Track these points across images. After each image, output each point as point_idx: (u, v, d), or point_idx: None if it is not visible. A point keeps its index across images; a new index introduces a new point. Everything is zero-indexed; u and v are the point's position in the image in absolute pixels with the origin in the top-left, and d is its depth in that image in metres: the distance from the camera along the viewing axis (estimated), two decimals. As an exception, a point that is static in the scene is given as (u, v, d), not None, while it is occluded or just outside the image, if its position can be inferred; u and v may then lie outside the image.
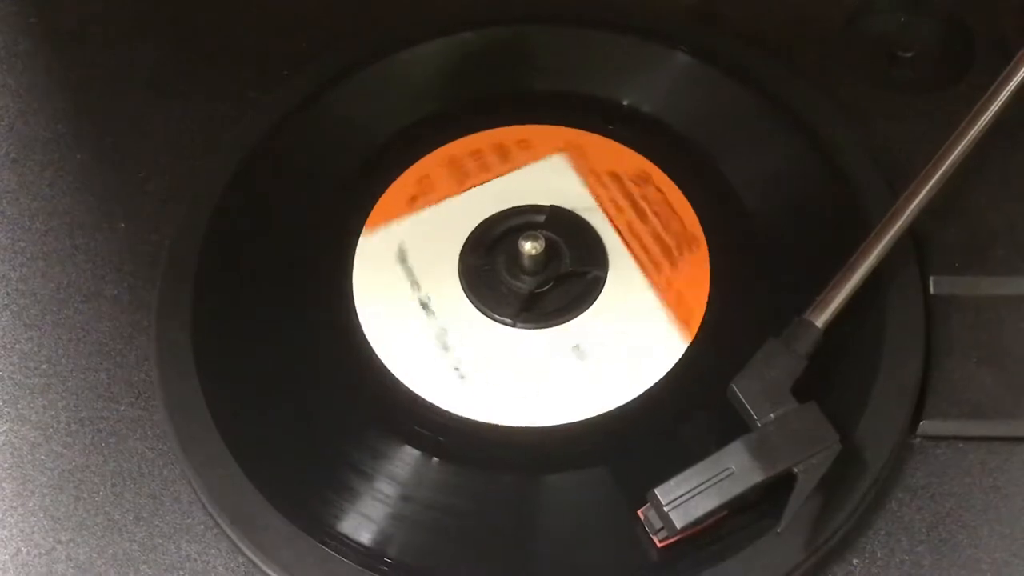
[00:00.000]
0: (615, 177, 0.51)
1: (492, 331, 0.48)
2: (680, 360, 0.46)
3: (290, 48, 0.57)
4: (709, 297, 0.48)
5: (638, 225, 0.50)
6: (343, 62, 0.55)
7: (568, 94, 0.55)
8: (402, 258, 0.50)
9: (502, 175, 0.52)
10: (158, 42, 0.58)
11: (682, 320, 0.47)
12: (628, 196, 0.51)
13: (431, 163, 0.52)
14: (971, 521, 0.44)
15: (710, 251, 0.49)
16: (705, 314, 0.47)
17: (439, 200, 0.51)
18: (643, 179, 0.51)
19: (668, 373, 0.46)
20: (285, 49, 0.57)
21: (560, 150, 0.52)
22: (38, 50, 0.58)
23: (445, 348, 0.47)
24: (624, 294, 0.48)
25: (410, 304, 0.49)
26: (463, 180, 0.52)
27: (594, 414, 0.45)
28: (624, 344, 0.47)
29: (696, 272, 0.49)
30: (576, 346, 0.47)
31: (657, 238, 0.50)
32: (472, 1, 0.57)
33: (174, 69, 0.57)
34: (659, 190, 0.51)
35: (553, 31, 0.56)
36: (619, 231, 0.50)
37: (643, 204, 0.51)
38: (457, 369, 0.47)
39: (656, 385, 0.46)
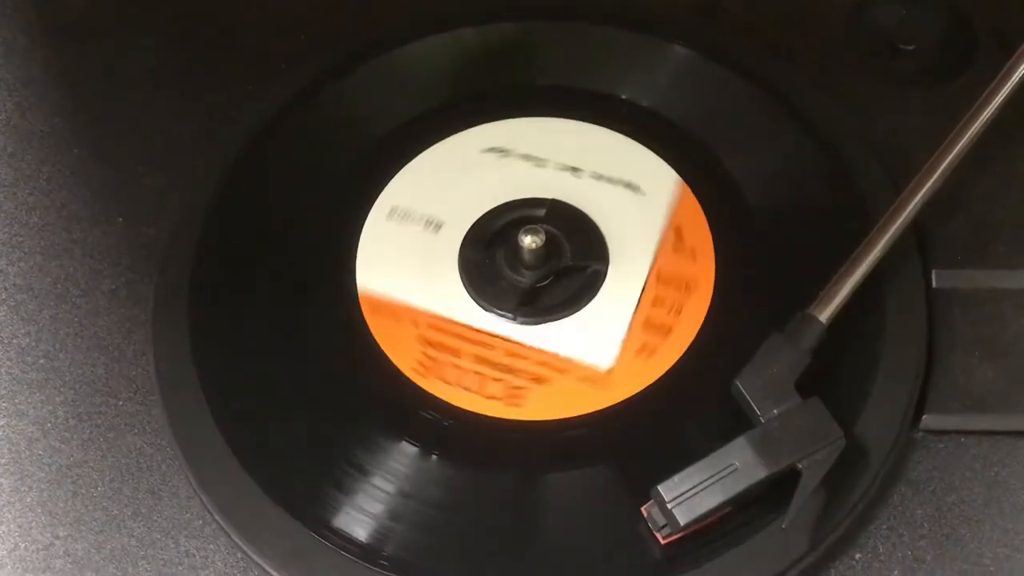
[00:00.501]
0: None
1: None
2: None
3: (288, 44, 0.57)
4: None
5: (654, 280, 0.49)
6: (341, 58, 0.55)
7: (567, 89, 0.54)
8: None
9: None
10: (156, 37, 0.58)
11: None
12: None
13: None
14: (973, 515, 0.44)
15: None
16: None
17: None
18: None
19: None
20: (283, 44, 0.57)
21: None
22: (36, 45, 0.58)
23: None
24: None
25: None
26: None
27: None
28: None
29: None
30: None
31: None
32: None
33: (172, 64, 0.57)
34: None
35: (551, 26, 0.55)
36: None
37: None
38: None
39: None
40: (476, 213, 0.50)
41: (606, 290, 0.48)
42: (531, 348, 0.47)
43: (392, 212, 0.51)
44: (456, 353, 0.46)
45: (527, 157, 0.52)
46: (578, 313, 0.47)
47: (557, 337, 0.47)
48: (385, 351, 0.47)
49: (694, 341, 0.46)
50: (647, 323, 0.47)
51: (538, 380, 0.46)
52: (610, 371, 0.46)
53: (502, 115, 0.53)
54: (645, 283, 0.48)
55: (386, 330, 0.47)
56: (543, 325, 0.47)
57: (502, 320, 0.47)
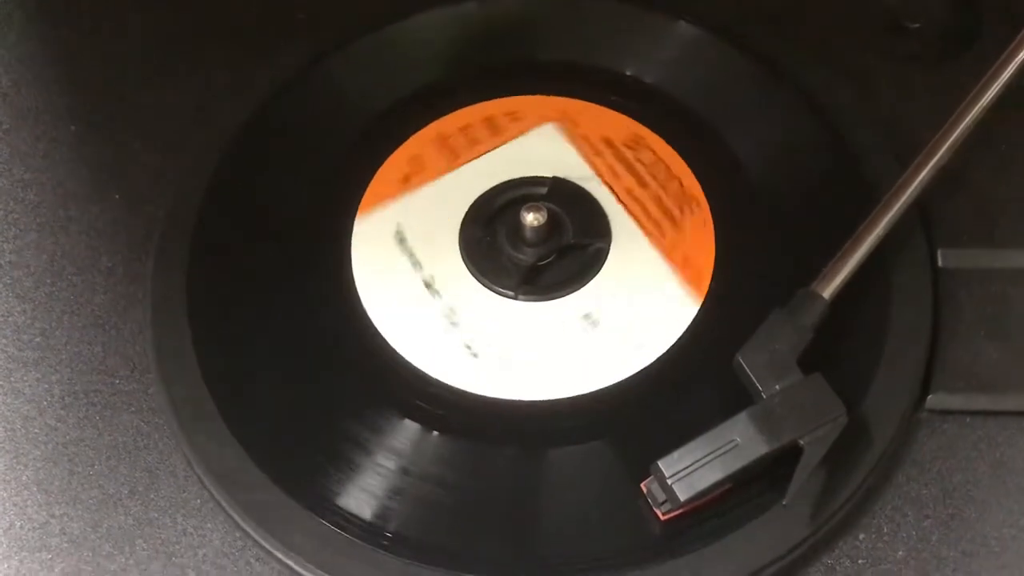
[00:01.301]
0: (608, 143, 0.51)
1: (495, 304, 0.47)
2: (693, 321, 0.46)
3: (287, 19, 0.56)
4: (716, 257, 0.48)
5: (637, 190, 0.49)
6: (340, 33, 0.54)
7: (555, 63, 0.54)
8: (400, 237, 0.49)
9: (494, 148, 0.51)
10: (153, 13, 0.57)
11: (691, 282, 0.47)
12: (623, 161, 0.50)
13: (421, 141, 0.51)
14: (978, 495, 0.44)
15: (712, 212, 0.49)
16: (713, 274, 0.47)
17: (433, 178, 0.50)
18: (636, 143, 0.51)
19: (682, 336, 0.45)
20: (282, 20, 0.56)
21: (550, 119, 0.52)
22: (32, 21, 0.58)
23: (450, 322, 0.47)
24: (630, 261, 0.48)
25: (411, 277, 0.48)
26: (455, 157, 0.51)
27: (599, 386, 0.45)
28: (634, 310, 0.46)
29: (700, 233, 0.48)
30: (587, 315, 0.47)
31: (657, 201, 0.49)
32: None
33: (169, 40, 0.56)
34: (653, 152, 0.50)
35: (536, 1, 0.55)
36: (618, 196, 0.49)
37: (639, 168, 0.50)
38: (467, 346, 0.46)
39: (663, 354, 0.45)
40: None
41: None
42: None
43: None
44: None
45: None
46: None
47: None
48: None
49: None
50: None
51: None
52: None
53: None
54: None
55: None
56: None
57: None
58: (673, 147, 0.51)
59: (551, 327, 0.46)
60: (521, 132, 0.52)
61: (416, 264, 0.48)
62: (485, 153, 0.51)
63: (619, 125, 0.51)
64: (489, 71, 0.54)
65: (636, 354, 0.45)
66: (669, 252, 0.48)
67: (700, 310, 0.46)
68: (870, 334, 0.45)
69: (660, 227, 0.49)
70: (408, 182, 0.50)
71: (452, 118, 0.52)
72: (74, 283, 0.50)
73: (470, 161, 0.51)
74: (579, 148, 0.51)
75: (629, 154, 0.50)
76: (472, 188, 0.50)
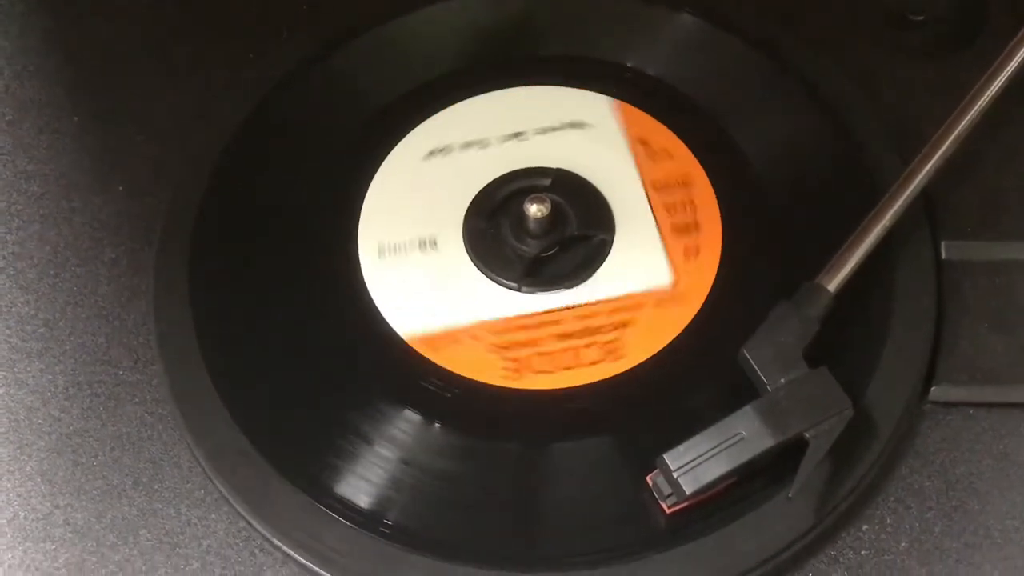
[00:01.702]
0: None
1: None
2: (699, 312, 0.46)
3: (289, 11, 0.56)
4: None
5: (649, 187, 0.49)
6: (342, 25, 0.54)
7: (573, 57, 0.54)
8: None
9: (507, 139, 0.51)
10: (156, 4, 0.57)
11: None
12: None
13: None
14: (982, 487, 0.44)
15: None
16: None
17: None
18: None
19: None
20: (284, 12, 0.56)
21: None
22: (34, 13, 0.58)
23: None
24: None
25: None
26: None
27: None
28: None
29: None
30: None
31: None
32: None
33: (172, 31, 0.56)
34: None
35: None
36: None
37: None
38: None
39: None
40: (480, 183, 0.50)
41: (607, 266, 0.48)
42: (595, 303, 0.47)
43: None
44: (535, 344, 0.46)
45: (467, 144, 0.51)
46: (579, 286, 0.47)
47: (608, 284, 0.47)
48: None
49: (699, 311, 0.46)
50: (674, 228, 0.48)
51: (624, 325, 0.46)
52: (676, 284, 0.46)
53: (505, 84, 0.52)
54: (648, 198, 0.48)
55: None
56: (587, 283, 0.47)
57: (542, 295, 0.47)
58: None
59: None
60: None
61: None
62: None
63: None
64: (500, 64, 0.54)
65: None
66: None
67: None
68: (874, 326, 0.45)
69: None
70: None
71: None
72: (77, 274, 0.49)
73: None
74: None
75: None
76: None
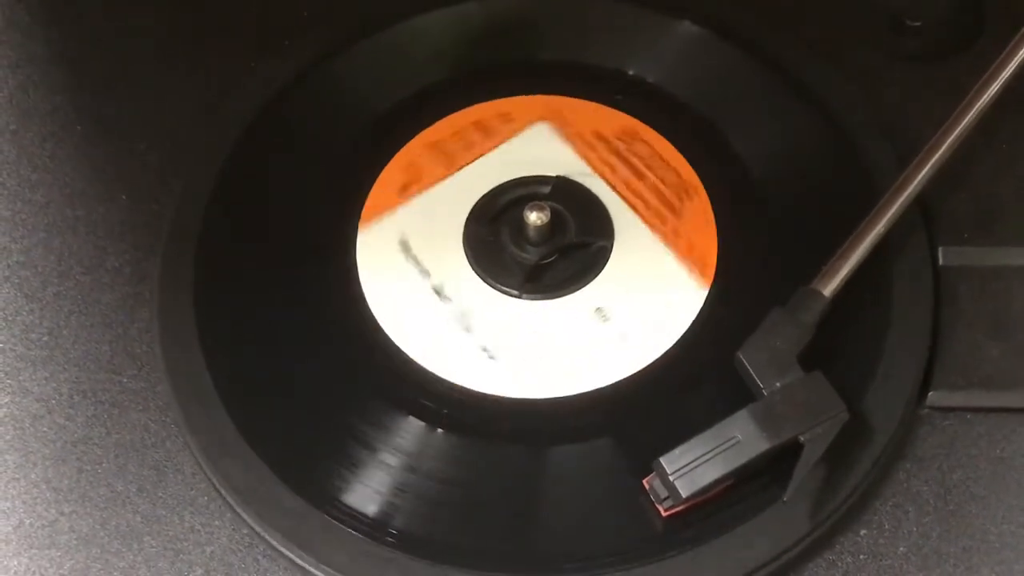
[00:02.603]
0: (601, 137, 0.51)
1: (499, 304, 0.47)
2: (689, 327, 0.46)
3: (291, 18, 0.56)
4: (719, 240, 0.48)
5: (634, 181, 0.50)
6: (344, 31, 0.54)
7: (542, 63, 0.54)
8: (404, 241, 0.49)
9: (489, 151, 0.51)
10: (158, 13, 0.58)
11: (697, 269, 0.47)
12: (618, 154, 0.51)
13: (414, 149, 0.52)
14: (979, 492, 0.44)
15: (711, 199, 0.49)
16: (718, 262, 0.47)
17: (431, 184, 0.51)
18: (630, 136, 0.51)
19: (691, 326, 0.46)
20: (286, 19, 0.56)
21: (542, 118, 0.52)
22: (37, 22, 0.58)
23: (456, 321, 0.47)
24: (634, 254, 0.48)
25: (416, 275, 0.48)
26: (451, 162, 0.51)
27: (601, 384, 0.45)
28: (640, 305, 0.47)
29: (701, 219, 0.49)
30: (598, 309, 0.47)
31: (655, 191, 0.49)
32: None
33: (174, 39, 0.57)
34: (648, 145, 0.51)
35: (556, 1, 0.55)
36: (617, 190, 0.50)
37: (635, 160, 0.50)
38: (474, 346, 0.46)
39: (679, 341, 0.46)
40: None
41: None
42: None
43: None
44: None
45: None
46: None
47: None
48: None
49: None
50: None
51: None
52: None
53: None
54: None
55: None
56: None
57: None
58: (670, 141, 0.51)
59: (554, 326, 0.47)
60: (514, 133, 0.52)
61: (422, 262, 0.48)
62: (481, 156, 0.51)
63: (611, 120, 0.52)
64: (475, 74, 0.54)
65: (639, 351, 0.46)
66: (673, 241, 0.48)
67: (703, 305, 0.47)
68: (871, 331, 0.45)
69: (661, 217, 0.49)
70: (407, 190, 0.50)
71: (444, 123, 0.52)
72: (82, 283, 0.50)
73: (466, 165, 0.51)
74: (573, 145, 0.51)
75: (623, 147, 0.51)
76: (471, 191, 0.50)
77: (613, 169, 0.50)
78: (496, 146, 0.51)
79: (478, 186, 0.50)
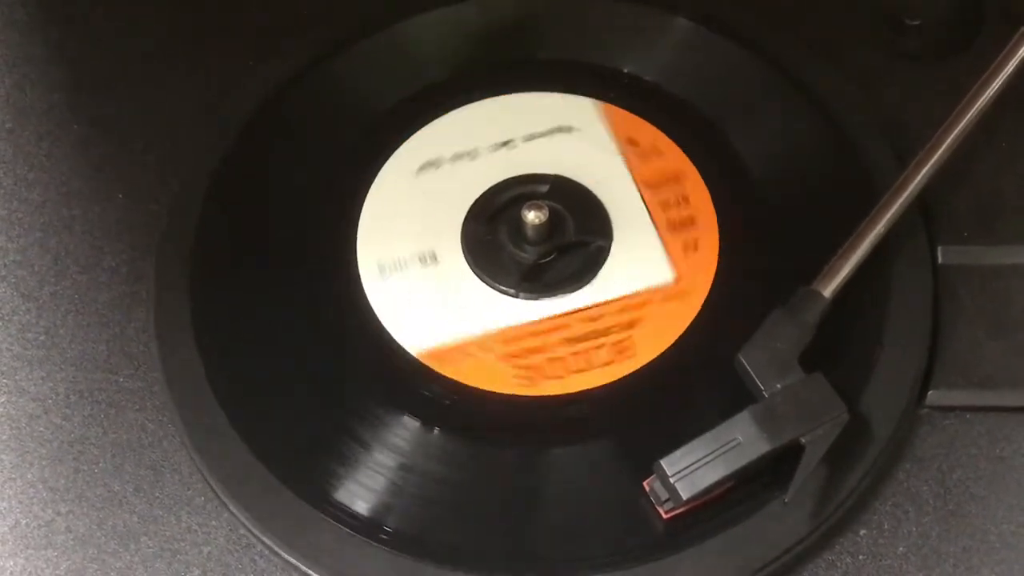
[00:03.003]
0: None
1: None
2: (696, 317, 0.46)
3: (289, 18, 0.56)
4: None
5: (644, 188, 0.50)
6: (343, 31, 0.54)
7: (564, 62, 0.54)
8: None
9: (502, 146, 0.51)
10: (156, 12, 0.57)
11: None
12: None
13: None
14: (979, 492, 0.44)
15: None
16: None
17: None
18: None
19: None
20: (284, 19, 0.56)
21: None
22: (34, 20, 0.58)
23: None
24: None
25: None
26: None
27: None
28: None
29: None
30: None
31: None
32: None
33: (172, 39, 0.56)
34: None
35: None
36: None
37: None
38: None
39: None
40: (477, 191, 0.50)
41: (605, 272, 0.48)
42: (600, 304, 0.47)
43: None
44: (545, 350, 0.46)
45: (459, 155, 0.51)
46: (577, 291, 0.47)
47: (610, 286, 0.47)
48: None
49: (697, 316, 0.46)
50: (670, 224, 0.48)
51: (631, 325, 0.46)
52: (679, 280, 0.47)
53: (498, 91, 0.52)
54: (641, 196, 0.49)
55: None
56: (589, 286, 0.47)
57: (541, 301, 0.47)
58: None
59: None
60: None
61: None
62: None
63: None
64: (475, 73, 0.54)
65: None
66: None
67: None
68: (871, 331, 0.45)
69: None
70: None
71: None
72: (78, 282, 0.50)
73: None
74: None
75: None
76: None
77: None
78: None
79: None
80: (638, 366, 0.45)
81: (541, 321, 0.47)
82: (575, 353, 0.46)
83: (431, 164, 0.51)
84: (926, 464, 0.45)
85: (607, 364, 0.45)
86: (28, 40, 0.57)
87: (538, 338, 0.46)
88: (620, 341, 0.46)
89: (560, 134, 0.51)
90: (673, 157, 0.50)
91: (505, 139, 0.51)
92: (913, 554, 0.43)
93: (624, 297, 0.47)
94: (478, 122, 0.52)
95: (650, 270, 0.47)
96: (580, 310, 0.47)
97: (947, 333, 0.46)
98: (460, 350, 0.46)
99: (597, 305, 0.47)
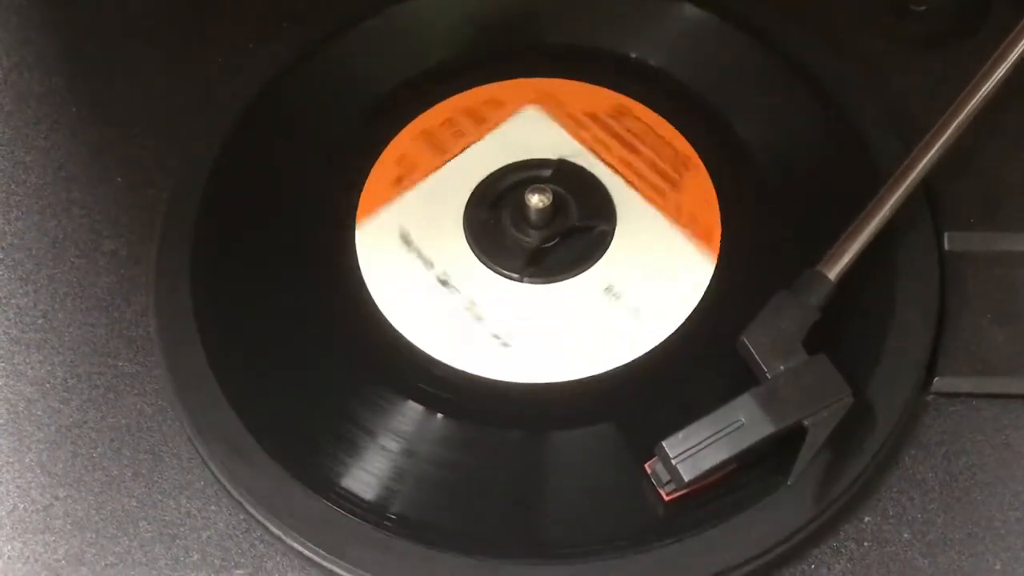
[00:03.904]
0: (593, 117, 0.51)
1: (501, 287, 0.47)
2: (692, 312, 0.46)
3: (289, 1, 0.56)
4: (723, 226, 0.48)
5: (630, 157, 0.49)
6: (343, 15, 0.54)
7: (531, 46, 0.54)
8: (405, 215, 0.49)
9: (481, 138, 0.51)
10: (155, -4, 0.57)
11: (703, 238, 0.47)
12: (611, 131, 0.50)
13: (405, 141, 0.51)
14: (984, 478, 0.44)
15: (715, 185, 0.49)
16: (722, 240, 0.47)
17: (425, 176, 0.50)
18: (620, 112, 0.51)
19: (679, 326, 0.45)
20: (284, 2, 0.56)
21: (531, 102, 0.52)
22: (32, 3, 0.58)
23: (456, 303, 0.46)
24: (638, 232, 0.48)
25: (416, 258, 0.48)
26: (443, 151, 0.51)
27: (604, 368, 0.45)
28: (648, 284, 0.46)
29: (701, 191, 0.48)
30: (607, 288, 0.47)
31: (652, 165, 0.49)
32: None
33: (171, 22, 0.56)
34: (640, 120, 0.50)
35: None
36: (613, 168, 0.49)
37: (628, 136, 0.50)
38: (477, 331, 0.46)
39: (674, 331, 0.45)
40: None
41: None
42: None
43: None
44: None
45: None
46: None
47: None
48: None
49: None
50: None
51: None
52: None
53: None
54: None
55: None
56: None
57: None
58: (673, 125, 0.51)
59: (555, 310, 0.46)
60: (504, 118, 0.51)
61: (422, 246, 0.48)
62: (472, 144, 0.51)
63: (601, 98, 0.51)
64: (459, 62, 0.53)
65: (638, 335, 0.45)
66: (675, 214, 0.48)
67: (707, 289, 0.46)
68: (876, 316, 0.45)
69: (660, 191, 0.49)
70: (401, 183, 0.50)
71: (431, 113, 0.52)
72: (76, 265, 0.49)
73: (459, 153, 0.50)
74: (564, 125, 0.51)
75: (615, 124, 0.50)
76: (467, 179, 0.50)
77: (607, 147, 0.50)
78: (487, 133, 0.51)
79: (474, 173, 0.50)
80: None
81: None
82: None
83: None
84: (931, 450, 0.44)
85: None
86: (27, 22, 0.57)
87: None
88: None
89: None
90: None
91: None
92: (918, 540, 0.42)
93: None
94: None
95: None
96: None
97: (952, 320, 0.46)
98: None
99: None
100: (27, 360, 0.47)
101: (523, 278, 0.47)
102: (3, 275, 0.49)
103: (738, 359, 0.42)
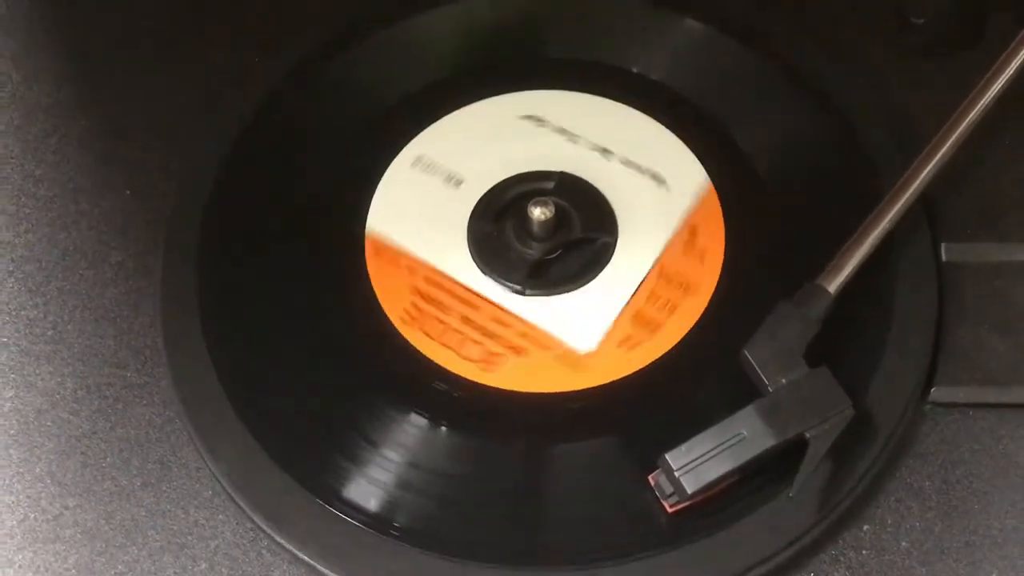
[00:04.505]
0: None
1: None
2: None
3: (296, 9, 0.56)
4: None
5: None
6: (348, 29, 0.54)
7: (576, 61, 0.54)
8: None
9: (485, 152, 0.51)
10: (162, 6, 0.57)
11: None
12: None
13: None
14: (982, 488, 0.44)
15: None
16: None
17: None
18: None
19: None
20: (291, 10, 0.56)
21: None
22: (39, 15, 0.58)
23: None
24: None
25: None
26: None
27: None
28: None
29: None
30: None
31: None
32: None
33: (178, 32, 0.57)
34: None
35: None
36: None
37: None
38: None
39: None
40: (498, 178, 0.50)
41: (610, 270, 0.48)
42: (516, 317, 0.47)
43: (416, 161, 0.50)
44: (444, 309, 0.47)
45: (561, 131, 0.51)
46: (580, 289, 0.47)
47: (546, 312, 0.47)
48: (382, 303, 0.47)
49: (704, 312, 0.46)
50: (637, 316, 0.47)
51: (516, 350, 0.46)
52: (588, 355, 0.46)
53: (537, 84, 0.53)
54: (645, 276, 0.48)
55: (383, 277, 0.48)
56: (536, 298, 0.47)
57: (501, 288, 0.47)
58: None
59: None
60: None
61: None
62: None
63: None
64: (462, 75, 0.54)
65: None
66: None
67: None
68: (875, 328, 0.45)
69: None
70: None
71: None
72: (85, 277, 0.50)
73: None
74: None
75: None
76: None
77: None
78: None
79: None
80: (644, 364, 0.45)
81: (468, 290, 0.47)
82: (456, 331, 0.46)
83: (439, 160, 0.51)
84: (929, 460, 0.45)
85: (466, 359, 0.45)
86: (35, 37, 0.57)
87: (449, 298, 0.47)
88: (494, 354, 0.46)
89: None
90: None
91: (513, 136, 0.51)
92: (916, 549, 0.43)
93: (534, 327, 0.47)
94: (484, 119, 0.52)
95: (577, 330, 0.47)
96: (497, 306, 0.47)
97: (951, 330, 0.46)
98: (456, 339, 0.46)
99: (510, 314, 0.47)
100: (37, 371, 0.48)
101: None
102: (13, 287, 0.50)
103: (740, 372, 0.43)
